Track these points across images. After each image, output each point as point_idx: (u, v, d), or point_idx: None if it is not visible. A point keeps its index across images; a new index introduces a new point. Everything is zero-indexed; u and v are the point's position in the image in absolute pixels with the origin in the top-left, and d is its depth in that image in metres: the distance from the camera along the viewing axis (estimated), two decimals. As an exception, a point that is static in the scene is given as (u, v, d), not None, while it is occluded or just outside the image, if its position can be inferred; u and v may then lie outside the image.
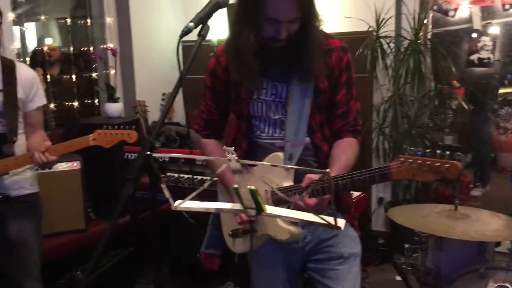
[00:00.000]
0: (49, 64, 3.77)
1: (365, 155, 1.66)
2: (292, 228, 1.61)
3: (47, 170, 2.88)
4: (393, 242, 3.59)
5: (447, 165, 1.33)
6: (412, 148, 1.40)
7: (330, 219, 1.21)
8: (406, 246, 2.47)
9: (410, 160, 1.38)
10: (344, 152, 1.66)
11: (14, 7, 3.36)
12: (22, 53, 3.45)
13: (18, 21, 3.40)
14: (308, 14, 1.55)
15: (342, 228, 1.23)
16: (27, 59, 3.63)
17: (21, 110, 2.24)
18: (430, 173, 1.35)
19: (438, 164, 1.33)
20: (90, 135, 2.16)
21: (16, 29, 3.48)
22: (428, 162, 1.35)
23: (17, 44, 3.37)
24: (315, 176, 1.49)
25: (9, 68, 2.20)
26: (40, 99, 2.30)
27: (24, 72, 2.25)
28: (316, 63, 1.60)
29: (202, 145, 1.90)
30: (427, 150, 1.36)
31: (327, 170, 1.14)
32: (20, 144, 2.24)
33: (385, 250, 3.60)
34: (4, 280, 2.33)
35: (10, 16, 3.27)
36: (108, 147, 2.18)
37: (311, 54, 1.59)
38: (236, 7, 1.60)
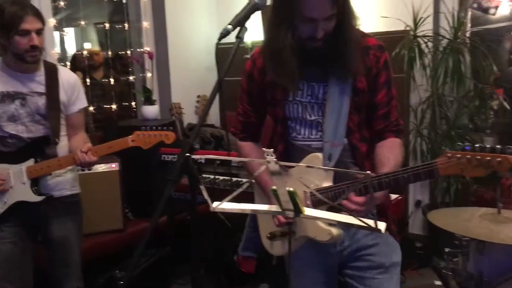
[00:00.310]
0: (92, 68, 3.86)
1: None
2: (333, 229, 1.59)
3: (86, 171, 3.00)
4: (431, 246, 3.50)
5: (498, 159, 1.28)
6: (460, 144, 1.36)
7: (371, 222, 1.19)
8: (447, 250, 2.41)
9: (459, 155, 1.33)
10: (391, 152, 1.64)
11: (55, 12, 3.47)
12: (62, 57, 3.55)
13: (59, 26, 3.50)
14: (344, 11, 1.54)
15: (383, 231, 1.21)
16: (67, 63, 3.74)
17: (63, 113, 2.30)
18: (480, 168, 1.31)
19: (489, 158, 1.29)
20: (129, 136, 2.19)
21: (56, 34, 3.58)
22: (478, 157, 1.30)
23: (57, 49, 3.47)
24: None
25: (52, 72, 2.26)
26: (81, 102, 2.36)
27: (66, 76, 2.31)
28: (354, 61, 1.58)
29: (239, 147, 1.90)
30: (476, 145, 1.32)
31: (368, 172, 1.12)
32: (63, 146, 2.29)
33: (423, 254, 3.52)
34: (46, 278, 2.40)
35: (51, 21, 3.37)
36: (146, 148, 2.20)
37: (348, 51, 1.57)
38: (272, 9, 1.60)
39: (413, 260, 3.46)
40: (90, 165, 2.22)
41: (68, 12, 3.64)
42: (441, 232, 2.17)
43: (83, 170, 2.99)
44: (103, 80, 3.94)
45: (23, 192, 2.20)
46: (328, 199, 1.53)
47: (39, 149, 2.22)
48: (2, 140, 2.21)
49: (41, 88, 2.22)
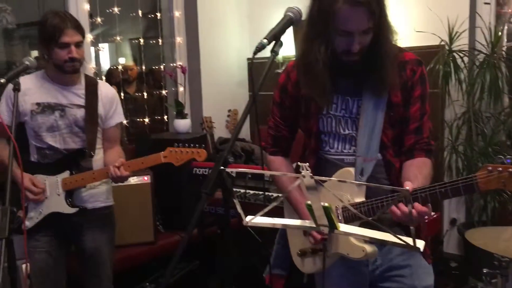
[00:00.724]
0: (127, 82, 3.94)
1: (436, 174, 1.58)
2: (367, 246, 1.56)
3: (119, 184, 3.03)
4: (467, 266, 3.39)
5: None
6: (501, 156, 1.31)
7: (409, 240, 1.16)
8: (485, 271, 2.32)
9: (500, 169, 1.29)
10: (420, 171, 1.58)
11: (92, 28, 3.56)
12: (97, 72, 3.63)
13: (95, 42, 3.59)
14: (381, 25, 1.52)
15: (422, 249, 1.17)
16: (103, 77, 3.83)
17: (100, 126, 2.33)
18: None
19: None
20: (162, 152, 2.20)
21: (92, 50, 3.67)
22: None
23: (93, 64, 3.55)
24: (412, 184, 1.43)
25: (92, 86, 2.31)
26: (119, 116, 2.39)
27: (105, 90, 2.35)
28: (389, 76, 1.56)
29: (269, 162, 1.89)
30: None
31: (407, 188, 1.09)
32: (98, 159, 2.33)
33: (459, 274, 3.41)
34: (78, 288, 2.43)
35: (88, 37, 3.47)
36: (178, 165, 2.21)
37: (384, 66, 1.55)
38: (307, 22, 1.59)
39: (448, 281, 3.35)
40: (122, 179, 2.22)
41: (104, 28, 3.74)
42: (479, 252, 2.11)
43: (116, 183, 3.04)
44: (136, 94, 4.01)
45: (57, 204, 2.24)
46: (370, 213, 1.50)
47: (75, 161, 2.25)
48: (40, 151, 2.26)
49: (81, 101, 2.27)
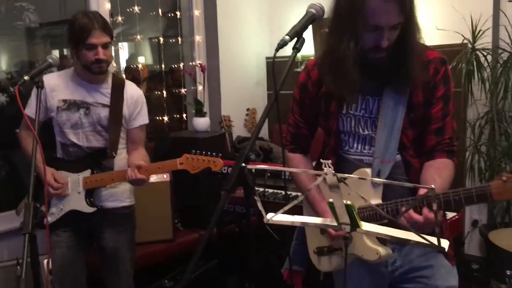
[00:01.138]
0: (137, 82, 3.96)
1: (457, 174, 1.54)
2: (381, 249, 1.54)
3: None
4: (490, 268, 3.32)
5: None
6: None
7: (433, 239, 1.14)
8: (508, 273, 2.28)
9: None
10: (439, 174, 1.54)
11: (113, 27, 3.59)
12: (118, 70, 3.66)
13: (115, 41, 3.62)
14: (409, 20, 1.49)
15: (446, 249, 1.15)
16: (124, 76, 3.86)
17: (124, 127, 2.33)
18: None
19: None
20: (178, 159, 2.17)
21: (112, 48, 3.70)
22: None
23: (113, 63, 3.58)
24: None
25: (119, 86, 2.31)
26: (143, 118, 2.38)
27: (131, 91, 2.34)
28: (415, 72, 1.53)
29: (288, 159, 1.88)
30: None
31: (432, 186, 1.07)
32: (121, 159, 2.33)
33: (481, 277, 3.35)
34: (100, 284, 2.45)
35: (109, 36, 3.49)
36: (194, 173, 2.17)
37: (410, 62, 1.52)
38: (333, 18, 1.57)
39: (470, 283, 3.29)
40: (139, 182, 2.20)
41: (124, 27, 3.76)
42: (502, 253, 2.06)
43: (133, 185, 3.06)
44: (156, 92, 4.03)
45: (77, 202, 2.26)
46: (378, 216, 1.49)
47: (97, 160, 2.27)
48: (64, 148, 2.29)
49: (106, 100, 2.28)
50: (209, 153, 2.16)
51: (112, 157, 2.28)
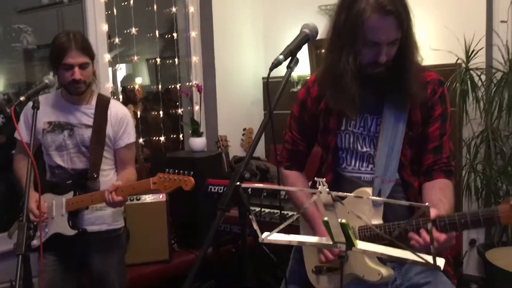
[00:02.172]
0: (133, 102, 3.97)
1: (454, 193, 1.54)
2: (383, 270, 1.53)
3: (135, 201, 3.04)
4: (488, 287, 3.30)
5: None
6: None
7: (429, 258, 1.13)
8: (507, 293, 2.27)
9: None
10: (444, 195, 1.55)
11: (110, 49, 3.62)
12: (115, 91, 3.67)
13: (113, 62, 3.64)
14: (407, 36, 1.51)
15: (442, 268, 1.14)
16: (120, 97, 3.87)
17: (109, 147, 2.30)
18: None
19: None
20: (152, 178, 2.16)
21: (110, 70, 3.72)
22: None
23: (110, 83, 3.60)
24: (437, 211, 1.41)
25: (103, 106, 2.29)
26: (128, 137, 2.34)
27: (116, 110, 2.31)
28: (414, 87, 1.54)
29: (284, 177, 1.88)
30: None
31: (427, 204, 1.07)
32: (107, 180, 2.28)
33: (480, 297, 3.32)
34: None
35: (106, 57, 3.52)
36: (166, 192, 2.17)
37: (409, 78, 1.54)
38: (332, 35, 1.59)
39: (468, 303, 3.26)
40: (116, 205, 2.17)
41: (122, 49, 3.79)
42: (500, 273, 2.05)
43: (131, 200, 3.05)
44: (152, 113, 4.05)
45: (60, 224, 2.22)
46: (376, 237, 1.48)
47: (79, 182, 2.24)
48: (51, 170, 2.28)
49: (89, 121, 2.26)
50: (181, 172, 2.15)
51: (93, 179, 2.24)
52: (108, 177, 2.31)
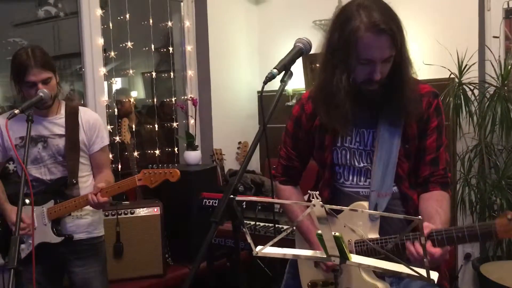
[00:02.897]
0: (127, 114, 3.98)
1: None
2: (380, 284, 1.53)
3: (129, 215, 3.03)
4: (484, 303, 3.28)
5: None
6: None
7: (422, 271, 1.13)
8: (502, 308, 2.26)
9: None
10: (441, 206, 1.56)
11: (106, 63, 3.63)
12: (110, 105, 3.68)
13: (108, 76, 3.66)
14: (401, 53, 1.52)
15: (436, 281, 1.14)
16: (115, 110, 3.88)
17: (85, 153, 2.34)
18: None
19: None
20: (137, 175, 2.21)
21: (105, 83, 3.73)
22: None
23: (105, 97, 3.60)
24: (433, 226, 1.41)
25: (73, 114, 2.32)
26: (102, 141, 2.38)
27: (87, 117, 2.35)
28: (409, 104, 1.55)
29: (278, 191, 1.88)
30: None
31: (419, 217, 1.07)
32: (86, 186, 2.33)
33: (475, 312, 3.31)
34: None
35: (102, 71, 3.53)
36: (153, 187, 2.20)
37: (404, 94, 1.55)
38: (325, 53, 1.60)
39: (464, 318, 3.25)
40: (101, 206, 2.20)
41: (118, 63, 3.81)
42: (495, 287, 2.05)
43: (125, 214, 3.03)
44: (147, 126, 4.05)
45: (44, 233, 2.24)
46: (373, 251, 1.47)
47: (59, 190, 2.27)
48: (27, 182, 2.27)
49: (62, 130, 2.28)
50: (165, 165, 2.20)
51: (73, 184, 2.27)
52: (87, 183, 2.36)
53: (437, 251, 1.40)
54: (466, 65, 3.42)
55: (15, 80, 2.19)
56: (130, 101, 4.11)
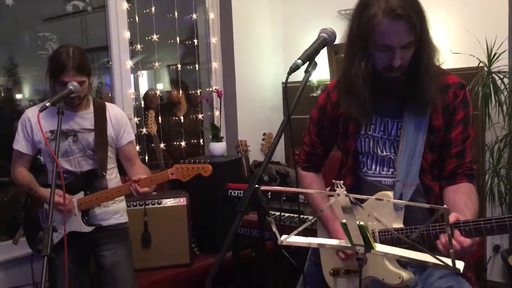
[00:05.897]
0: (154, 108, 4.04)
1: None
2: (404, 273, 1.53)
3: (156, 205, 3.09)
4: (513, 295, 3.23)
5: None
6: None
7: (448, 261, 1.13)
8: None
9: None
10: (469, 199, 1.55)
11: (132, 55, 3.69)
12: (136, 97, 3.74)
13: (135, 69, 3.71)
14: (422, 39, 1.51)
15: (461, 271, 1.14)
16: (141, 102, 3.94)
17: (112, 147, 2.42)
18: None
19: None
20: (169, 169, 2.27)
21: (132, 76, 3.79)
22: None
23: (132, 90, 3.66)
24: (459, 215, 1.41)
25: (101, 110, 2.40)
26: (129, 135, 2.48)
27: (114, 112, 2.44)
28: (431, 93, 1.53)
29: (300, 177, 1.90)
30: None
31: (444, 206, 1.06)
32: (112, 178, 2.43)
33: (504, 304, 3.26)
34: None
35: (128, 64, 3.59)
36: (185, 181, 2.26)
37: (426, 83, 1.53)
38: (346, 42, 1.60)
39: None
40: (144, 196, 2.27)
41: (143, 56, 3.86)
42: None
43: (153, 204, 3.09)
44: (173, 118, 4.10)
45: (75, 223, 2.33)
46: (397, 241, 1.47)
47: (88, 182, 2.35)
48: (58, 175, 2.33)
49: (91, 125, 2.36)
50: (197, 161, 2.26)
51: (102, 176, 2.35)
52: (112, 175, 2.45)
53: (466, 240, 1.39)
54: (495, 53, 3.34)
55: (50, 76, 2.25)
56: (156, 93, 4.16)
